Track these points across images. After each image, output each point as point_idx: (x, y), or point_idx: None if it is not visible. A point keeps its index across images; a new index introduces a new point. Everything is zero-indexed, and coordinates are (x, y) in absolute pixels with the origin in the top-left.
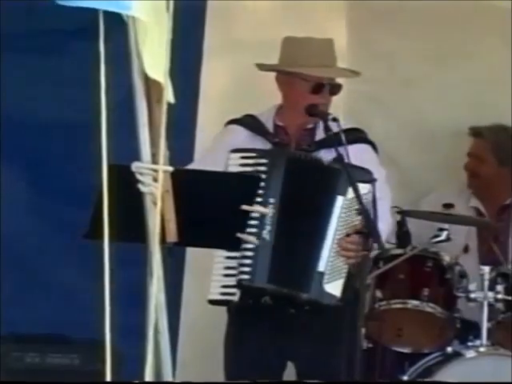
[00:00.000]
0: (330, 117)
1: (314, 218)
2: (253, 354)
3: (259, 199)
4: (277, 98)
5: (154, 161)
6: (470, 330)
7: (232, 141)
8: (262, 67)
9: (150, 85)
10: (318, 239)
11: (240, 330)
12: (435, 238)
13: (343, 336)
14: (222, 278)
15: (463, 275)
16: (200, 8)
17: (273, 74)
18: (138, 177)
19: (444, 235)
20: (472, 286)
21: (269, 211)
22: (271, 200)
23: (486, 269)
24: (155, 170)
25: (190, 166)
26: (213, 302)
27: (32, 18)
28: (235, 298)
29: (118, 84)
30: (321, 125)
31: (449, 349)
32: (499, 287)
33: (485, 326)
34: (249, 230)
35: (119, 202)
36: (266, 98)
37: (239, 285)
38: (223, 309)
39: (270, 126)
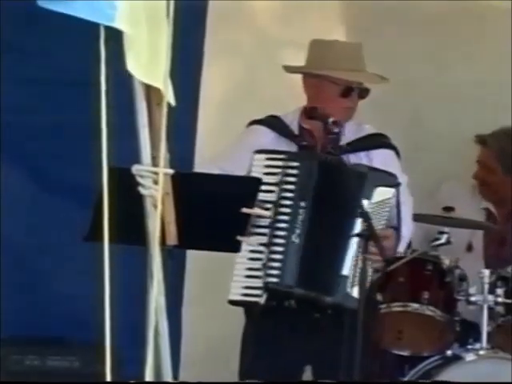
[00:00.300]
0: (330, 120)
1: (339, 222)
2: (271, 356)
3: (290, 202)
4: (278, 101)
5: (155, 163)
6: (469, 333)
7: (256, 141)
8: (289, 69)
9: (151, 87)
10: (343, 243)
11: (260, 332)
12: (435, 242)
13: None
14: (245, 279)
15: (463, 278)
16: (201, 9)
17: (276, 77)
18: (139, 179)
19: (444, 238)
20: (472, 289)
21: (270, 213)
22: (302, 204)
23: (486, 272)
24: (155, 173)
25: (211, 166)
26: (234, 303)
27: (32, 19)
28: (260, 300)
29: (119, 85)
30: (346, 129)
31: (449, 352)
32: (499, 290)
33: (485, 329)
34: (278, 233)
35: (119, 204)
36: (267, 101)
37: (266, 287)
38: (226, 310)
39: (294, 128)
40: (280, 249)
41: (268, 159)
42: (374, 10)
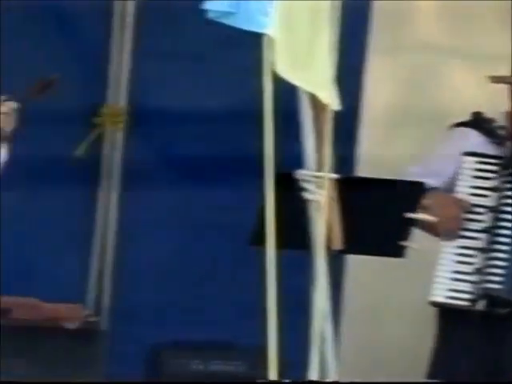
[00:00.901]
0: (495, 125)
1: None
2: (478, 360)
3: None
4: (443, 104)
5: (319, 168)
6: None
7: (464, 143)
8: (495, 79)
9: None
10: None
11: (469, 336)
12: None
13: None
14: (450, 281)
15: None
16: (366, 10)
17: (441, 82)
18: (303, 184)
19: None
20: None
21: (436, 218)
22: None
23: None
24: (320, 178)
25: (416, 166)
26: (437, 305)
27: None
28: (477, 305)
29: (284, 92)
30: None
31: None
32: None
33: None
34: (500, 239)
35: (284, 209)
36: (432, 104)
37: (486, 293)
38: (384, 314)
39: (501, 133)
40: (504, 256)
41: (479, 162)
42: None
